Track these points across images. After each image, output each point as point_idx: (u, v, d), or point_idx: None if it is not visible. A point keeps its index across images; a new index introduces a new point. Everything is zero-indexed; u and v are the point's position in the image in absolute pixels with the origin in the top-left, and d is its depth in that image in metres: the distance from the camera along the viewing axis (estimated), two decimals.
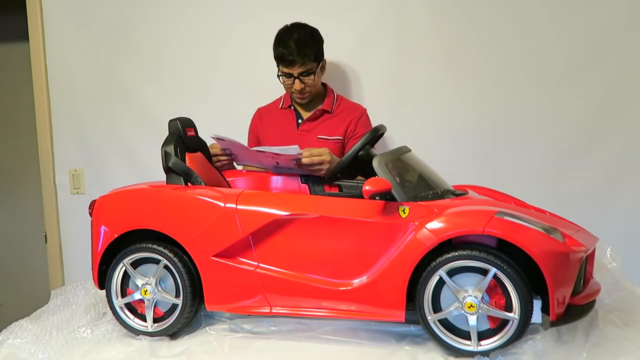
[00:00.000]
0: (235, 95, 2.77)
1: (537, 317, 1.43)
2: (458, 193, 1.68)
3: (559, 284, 1.39)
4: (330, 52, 2.36)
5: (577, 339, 1.50)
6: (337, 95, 2.42)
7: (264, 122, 2.44)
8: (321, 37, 2.30)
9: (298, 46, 2.20)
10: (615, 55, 2.45)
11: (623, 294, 1.74)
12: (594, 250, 1.58)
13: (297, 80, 2.25)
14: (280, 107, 2.43)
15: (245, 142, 2.22)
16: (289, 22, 2.30)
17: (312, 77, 2.26)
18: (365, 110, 2.41)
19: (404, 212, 1.51)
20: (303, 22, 2.31)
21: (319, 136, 2.31)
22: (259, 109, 2.50)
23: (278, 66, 2.28)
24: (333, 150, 2.10)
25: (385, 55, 2.61)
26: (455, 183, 1.84)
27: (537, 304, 1.43)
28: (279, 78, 2.31)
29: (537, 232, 1.41)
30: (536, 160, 2.55)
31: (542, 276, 1.39)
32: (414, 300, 1.49)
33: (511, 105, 2.55)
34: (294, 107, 2.39)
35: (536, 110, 2.53)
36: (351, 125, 2.34)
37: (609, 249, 1.90)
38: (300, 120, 2.38)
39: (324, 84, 2.43)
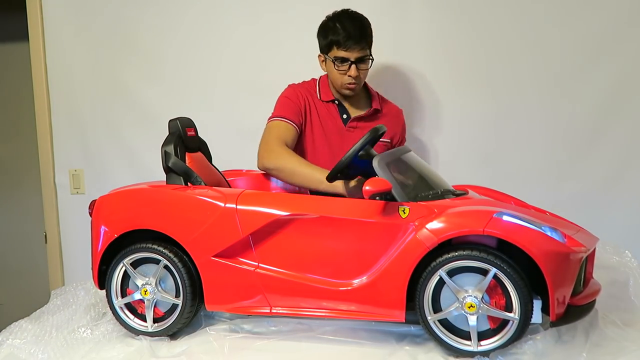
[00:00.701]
0: (236, 95, 2.77)
1: (537, 317, 1.43)
2: (458, 193, 1.68)
3: (559, 284, 1.39)
4: None
5: (577, 339, 1.50)
6: (376, 92, 2.31)
7: (310, 104, 2.22)
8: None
9: (360, 28, 2.09)
10: (616, 55, 2.45)
11: None
12: (594, 250, 1.58)
13: (353, 66, 2.09)
14: (319, 98, 2.24)
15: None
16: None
17: (367, 64, 2.15)
18: (402, 115, 2.34)
19: (404, 212, 1.51)
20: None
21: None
22: (294, 86, 2.27)
23: (327, 52, 2.13)
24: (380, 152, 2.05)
25: (385, 55, 2.61)
26: (456, 183, 1.84)
27: (537, 304, 1.43)
28: (325, 64, 2.17)
29: (537, 233, 1.41)
30: (536, 160, 2.55)
31: (542, 276, 1.39)
32: (413, 300, 1.49)
33: (511, 105, 2.55)
34: (337, 101, 2.25)
35: (536, 110, 2.53)
36: (397, 136, 2.27)
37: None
38: (345, 116, 2.22)
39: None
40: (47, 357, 1.61)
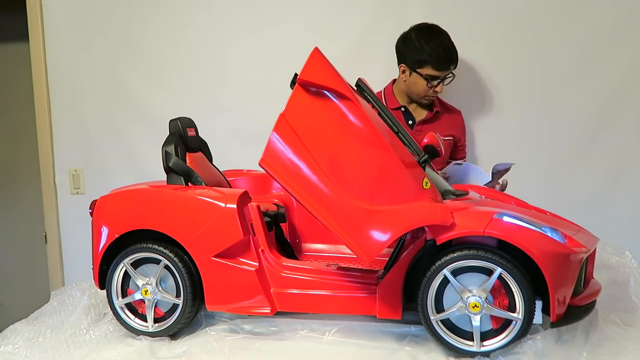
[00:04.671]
0: (236, 95, 2.77)
1: (537, 317, 1.43)
2: (459, 193, 1.68)
3: (559, 285, 1.39)
4: (330, 53, 2.35)
5: (577, 339, 1.50)
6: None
7: None
8: None
9: (454, 52, 2.27)
10: (615, 56, 2.45)
11: None
12: (594, 250, 1.58)
13: (440, 84, 2.29)
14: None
15: None
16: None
17: (449, 80, 2.32)
18: (461, 116, 2.51)
19: (427, 185, 1.51)
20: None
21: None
22: None
23: (417, 68, 2.27)
24: (446, 148, 2.26)
25: (385, 56, 2.61)
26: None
27: (537, 305, 1.43)
28: (408, 75, 2.31)
29: (537, 233, 1.41)
30: (537, 160, 2.55)
31: (542, 277, 1.39)
32: (411, 301, 1.50)
33: (511, 105, 2.56)
34: (404, 108, 2.41)
35: (536, 110, 2.53)
36: (458, 134, 2.45)
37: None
38: (410, 122, 2.40)
39: None
40: (47, 358, 1.61)
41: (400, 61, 2.37)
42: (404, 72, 2.35)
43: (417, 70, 2.28)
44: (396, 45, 2.38)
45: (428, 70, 2.27)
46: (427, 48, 2.25)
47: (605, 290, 1.64)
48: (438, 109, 2.41)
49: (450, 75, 2.32)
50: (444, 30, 2.31)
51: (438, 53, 2.24)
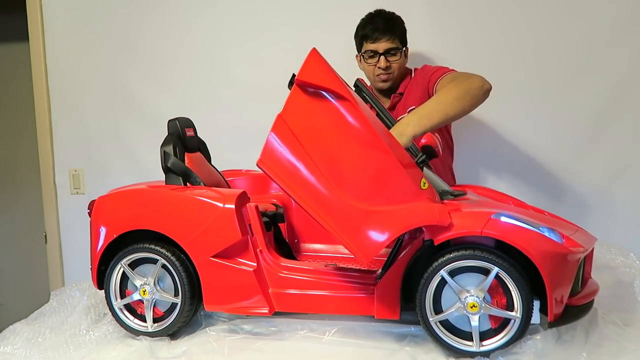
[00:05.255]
0: (236, 95, 2.77)
1: (535, 317, 1.43)
2: (456, 194, 1.68)
3: (557, 285, 1.39)
4: (329, 54, 2.35)
5: (577, 338, 1.50)
6: (413, 70, 2.34)
7: None
8: (404, 23, 2.29)
9: (385, 22, 2.22)
10: (616, 55, 2.45)
11: None
12: (592, 250, 1.58)
13: (382, 57, 2.21)
14: None
15: None
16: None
17: (397, 56, 2.23)
18: (427, 66, 2.32)
19: (424, 185, 1.51)
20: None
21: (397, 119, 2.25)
22: None
23: (361, 48, 2.27)
24: None
25: None
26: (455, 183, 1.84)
27: (535, 305, 1.43)
28: (360, 62, 2.30)
29: (534, 233, 1.41)
30: (536, 159, 2.55)
31: (540, 277, 1.39)
32: (409, 301, 1.50)
33: (511, 105, 2.55)
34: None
35: (536, 110, 2.53)
36: (425, 92, 2.23)
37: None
38: None
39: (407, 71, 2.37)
40: (47, 358, 1.61)
41: (356, 54, 2.36)
42: (359, 61, 2.34)
43: (362, 53, 2.28)
44: None
45: (365, 46, 2.25)
46: (360, 24, 2.27)
47: (609, 291, 1.64)
48: (402, 90, 2.30)
49: (396, 49, 2.22)
50: (391, 12, 2.27)
51: (365, 24, 2.24)
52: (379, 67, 2.23)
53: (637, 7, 2.41)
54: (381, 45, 2.21)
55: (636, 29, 2.42)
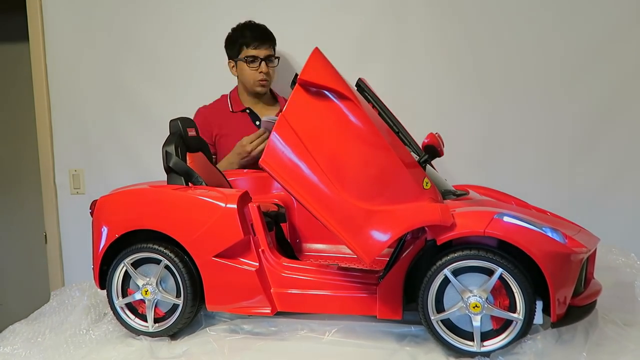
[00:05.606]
0: None
1: (538, 318, 1.43)
2: (459, 193, 1.68)
3: (560, 285, 1.39)
4: (329, 55, 2.35)
5: (577, 338, 1.50)
6: (282, 97, 2.56)
7: (219, 124, 2.45)
8: None
9: (262, 31, 2.37)
10: (617, 56, 2.45)
11: None
12: (595, 250, 1.58)
13: (263, 63, 2.36)
14: (231, 110, 2.46)
15: None
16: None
17: (275, 63, 2.39)
18: None
19: (427, 184, 1.51)
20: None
21: None
22: (200, 109, 2.53)
23: (238, 55, 2.38)
24: None
25: (385, 57, 2.61)
26: (456, 183, 1.85)
27: (538, 305, 1.43)
28: (233, 69, 2.43)
29: (537, 233, 1.41)
30: (537, 160, 2.55)
31: (542, 277, 1.39)
32: (412, 301, 1.50)
33: (512, 106, 2.55)
34: (249, 109, 2.46)
35: (537, 110, 2.53)
36: None
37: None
38: (258, 122, 2.43)
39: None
40: (47, 358, 1.61)
41: (229, 60, 2.47)
42: (233, 67, 2.45)
43: (239, 57, 2.39)
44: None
45: (246, 52, 2.37)
46: (238, 32, 2.41)
47: (609, 291, 1.64)
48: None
49: (272, 56, 2.41)
50: (257, 22, 2.44)
51: (245, 32, 2.38)
52: (260, 72, 2.37)
53: (639, 7, 2.41)
54: (262, 52, 2.37)
55: (638, 29, 2.43)
